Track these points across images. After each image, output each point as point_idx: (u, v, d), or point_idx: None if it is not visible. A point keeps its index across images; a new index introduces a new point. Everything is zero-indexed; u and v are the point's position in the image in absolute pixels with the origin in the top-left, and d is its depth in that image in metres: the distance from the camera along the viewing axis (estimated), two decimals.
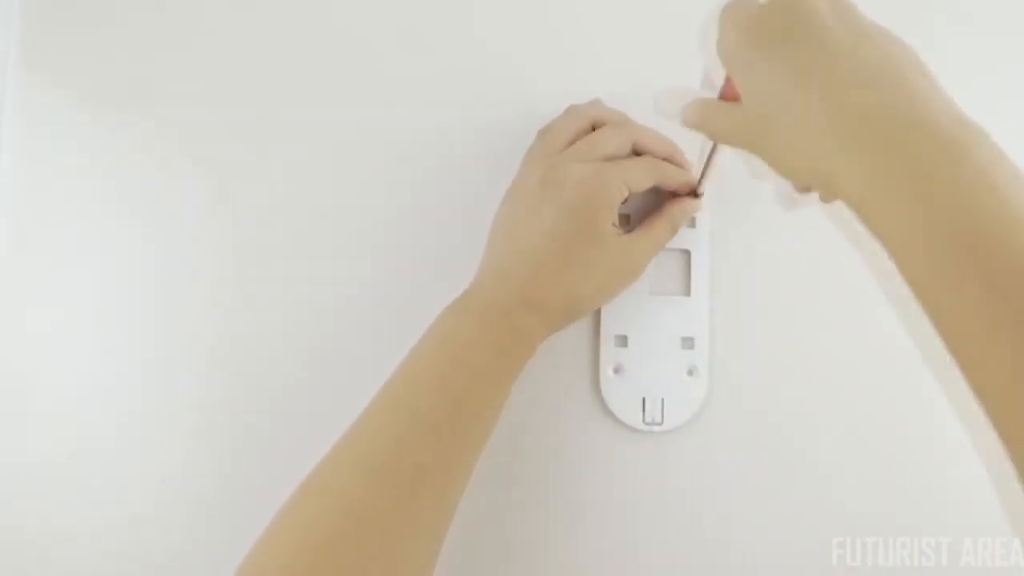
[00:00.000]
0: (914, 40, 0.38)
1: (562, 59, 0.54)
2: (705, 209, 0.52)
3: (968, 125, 0.34)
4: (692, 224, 0.52)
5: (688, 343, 0.52)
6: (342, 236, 0.52)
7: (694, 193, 0.50)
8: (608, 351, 0.51)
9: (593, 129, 0.49)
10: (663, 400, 0.51)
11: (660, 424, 0.51)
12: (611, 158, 0.47)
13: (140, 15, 0.53)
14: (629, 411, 0.51)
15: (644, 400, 0.51)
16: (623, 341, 0.51)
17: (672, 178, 0.49)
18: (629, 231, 0.48)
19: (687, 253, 0.52)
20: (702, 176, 0.49)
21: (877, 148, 0.34)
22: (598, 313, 0.52)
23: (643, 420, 0.51)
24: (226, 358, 0.52)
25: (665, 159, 0.49)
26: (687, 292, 0.52)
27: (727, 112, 0.41)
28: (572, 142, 0.48)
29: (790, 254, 0.53)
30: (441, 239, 0.52)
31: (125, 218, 0.52)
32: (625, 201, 0.47)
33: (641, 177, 0.47)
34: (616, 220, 0.47)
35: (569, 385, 0.52)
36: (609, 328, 0.51)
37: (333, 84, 0.53)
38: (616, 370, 0.51)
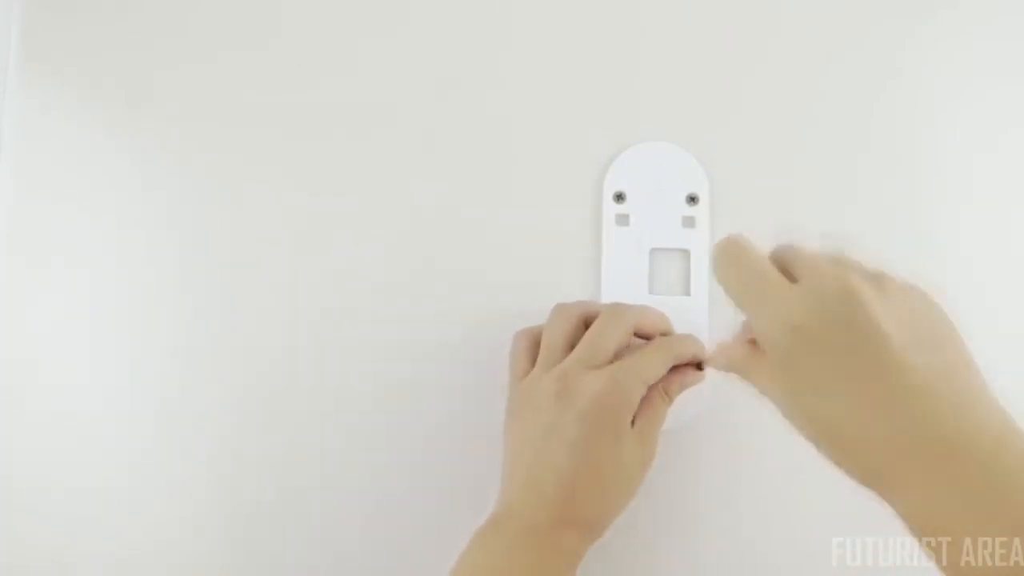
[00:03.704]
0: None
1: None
2: (705, 209, 0.52)
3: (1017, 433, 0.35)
4: (692, 224, 0.52)
5: None
6: (346, 236, 0.53)
7: (698, 365, 0.48)
8: None
9: (586, 326, 0.47)
10: None
11: None
12: (618, 355, 0.45)
13: (141, 16, 0.53)
14: None
15: None
16: None
17: (684, 355, 0.47)
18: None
19: (687, 253, 0.52)
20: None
21: (935, 478, 0.34)
22: None
23: None
24: (225, 357, 0.52)
25: (664, 333, 0.48)
26: (687, 292, 0.52)
27: (768, 375, 0.39)
28: (571, 344, 0.46)
29: None
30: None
31: (125, 218, 0.52)
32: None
33: (658, 368, 0.46)
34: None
35: None
36: None
37: (335, 90, 0.53)
38: None
